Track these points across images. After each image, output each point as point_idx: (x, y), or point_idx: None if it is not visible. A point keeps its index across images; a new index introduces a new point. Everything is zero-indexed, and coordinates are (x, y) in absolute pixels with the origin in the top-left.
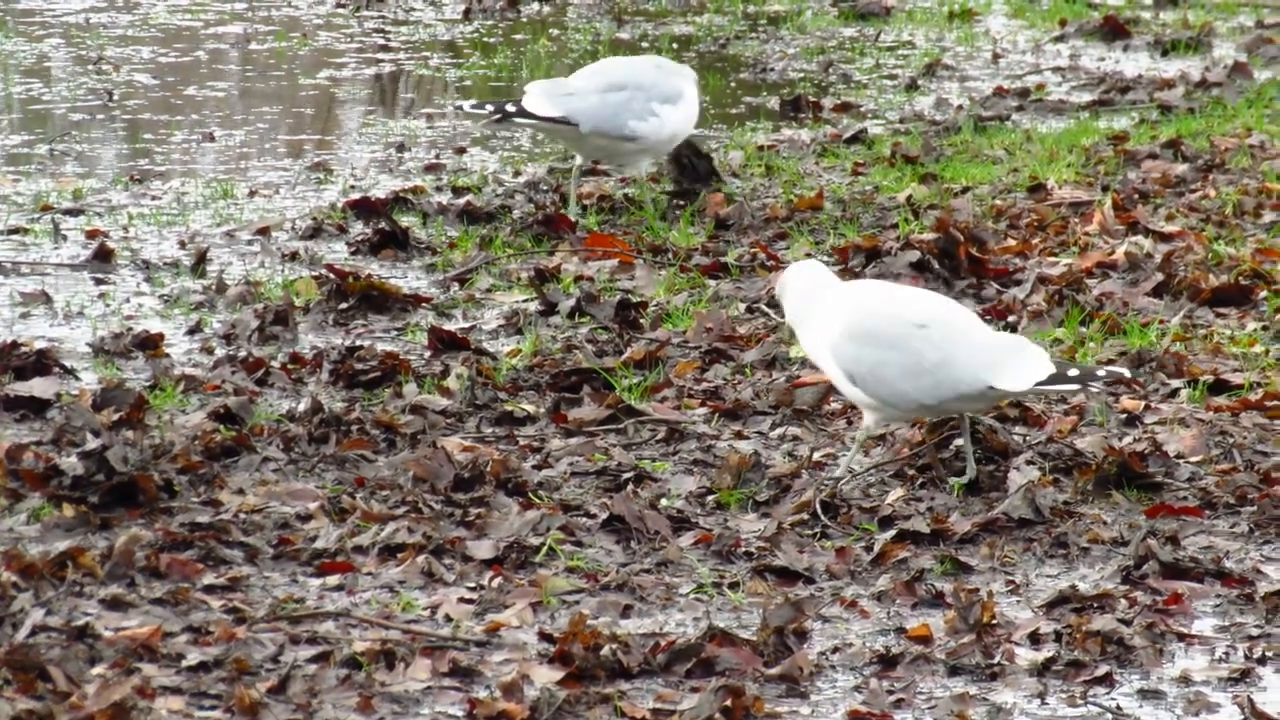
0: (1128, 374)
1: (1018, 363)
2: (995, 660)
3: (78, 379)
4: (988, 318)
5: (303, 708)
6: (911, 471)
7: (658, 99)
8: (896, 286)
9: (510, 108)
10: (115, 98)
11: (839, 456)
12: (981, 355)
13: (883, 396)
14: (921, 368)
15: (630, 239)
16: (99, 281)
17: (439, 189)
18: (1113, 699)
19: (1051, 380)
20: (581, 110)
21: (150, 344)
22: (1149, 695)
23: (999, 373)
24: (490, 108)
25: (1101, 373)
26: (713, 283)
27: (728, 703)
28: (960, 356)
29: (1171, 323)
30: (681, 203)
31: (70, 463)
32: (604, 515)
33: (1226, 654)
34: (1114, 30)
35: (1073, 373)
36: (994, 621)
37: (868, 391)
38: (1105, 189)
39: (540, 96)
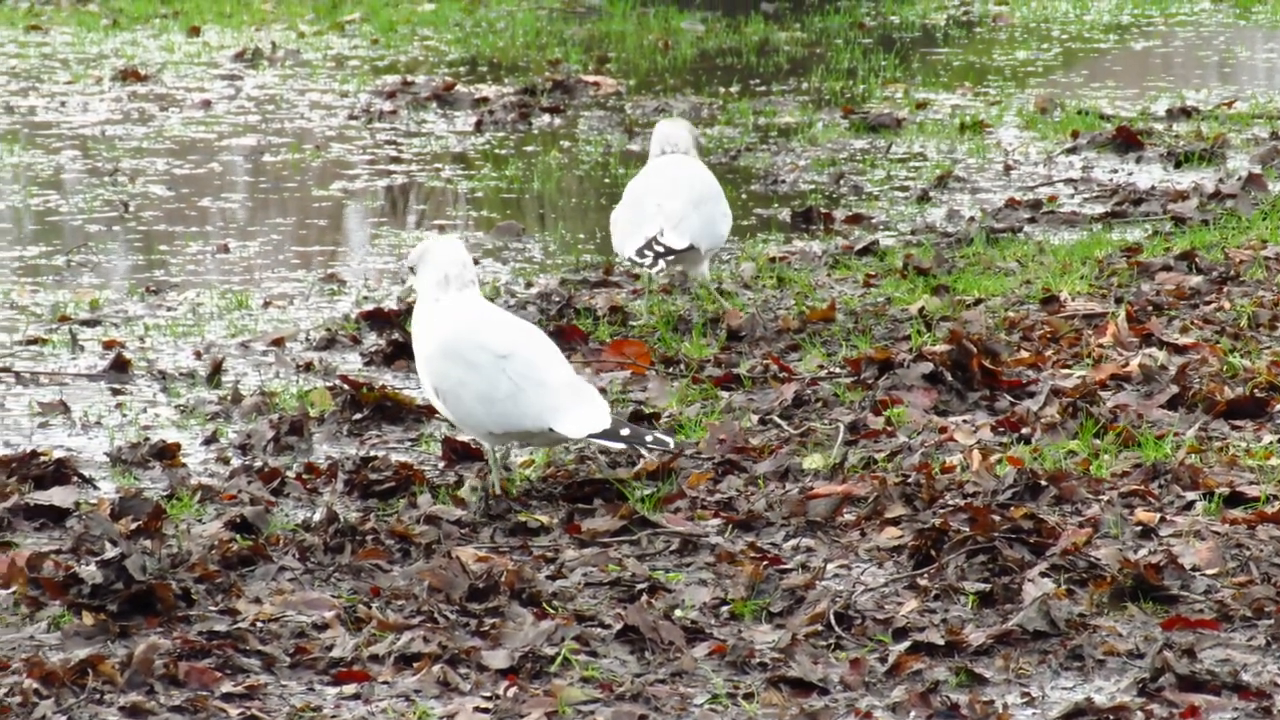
0: (672, 444)
1: (580, 411)
2: None
3: (96, 488)
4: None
5: None
6: (924, 583)
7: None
8: (497, 312)
9: (658, 250)
10: (131, 209)
11: (851, 567)
12: (550, 397)
13: (459, 417)
14: (494, 396)
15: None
16: (116, 391)
17: None
18: None
19: (604, 435)
20: (695, 230)
21: (167, 454)
22: None
23: (560, 417)
24: (650, 255)
25: (649, 439)
26: (725, 394)
27: None
28: (529, 393)
29: (1186, 435)
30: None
31: (89, 571)
32: (618, 625)
33: None
34: (1127, 142)
35: (624, 432)
36: None
37: (448, 408)
38: (1119, 301)
39: (669, 231)
